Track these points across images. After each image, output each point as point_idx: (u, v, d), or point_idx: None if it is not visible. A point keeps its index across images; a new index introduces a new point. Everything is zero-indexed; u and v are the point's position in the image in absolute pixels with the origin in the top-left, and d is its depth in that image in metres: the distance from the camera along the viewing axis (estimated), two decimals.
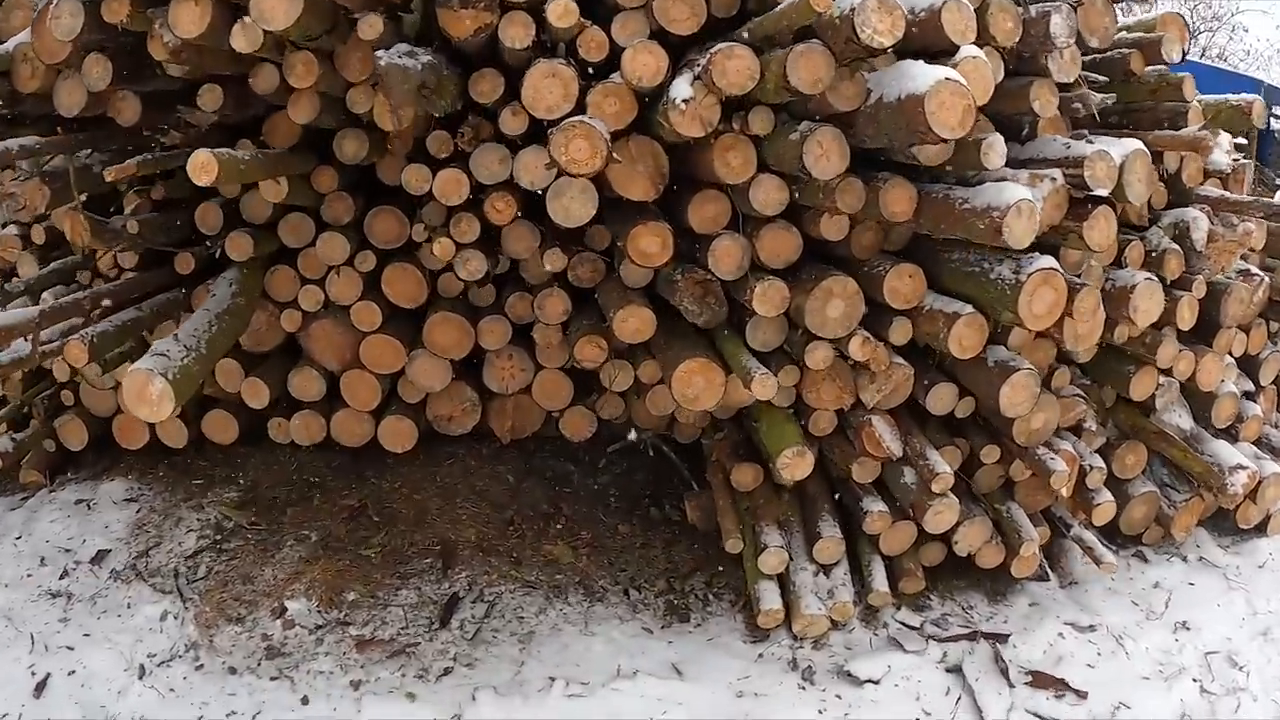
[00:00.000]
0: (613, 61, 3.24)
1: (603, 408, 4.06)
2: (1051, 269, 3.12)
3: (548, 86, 3.19)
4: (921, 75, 2.83)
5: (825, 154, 3.07)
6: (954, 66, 2.91)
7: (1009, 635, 3.56)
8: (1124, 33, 4.18)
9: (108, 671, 3.25)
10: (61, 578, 3.65)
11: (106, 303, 3.57)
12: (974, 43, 3.05)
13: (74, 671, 3.25)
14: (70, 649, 3.34)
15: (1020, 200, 2.95)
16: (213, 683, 3.23)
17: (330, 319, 3.89)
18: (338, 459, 4.09)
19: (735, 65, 3.03)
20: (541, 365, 3.96)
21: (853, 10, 2.78)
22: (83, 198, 3.49)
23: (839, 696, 3.32)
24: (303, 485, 3.99)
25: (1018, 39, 3.32)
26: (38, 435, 4.13)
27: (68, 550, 3.76)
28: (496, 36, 3.22)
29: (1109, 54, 4.02)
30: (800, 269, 3.46)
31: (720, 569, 3.82)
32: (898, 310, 3.40)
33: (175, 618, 3.47)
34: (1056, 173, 3.22)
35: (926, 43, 3.00)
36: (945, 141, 2.94)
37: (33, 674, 3.24)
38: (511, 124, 3.39)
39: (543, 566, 3.74)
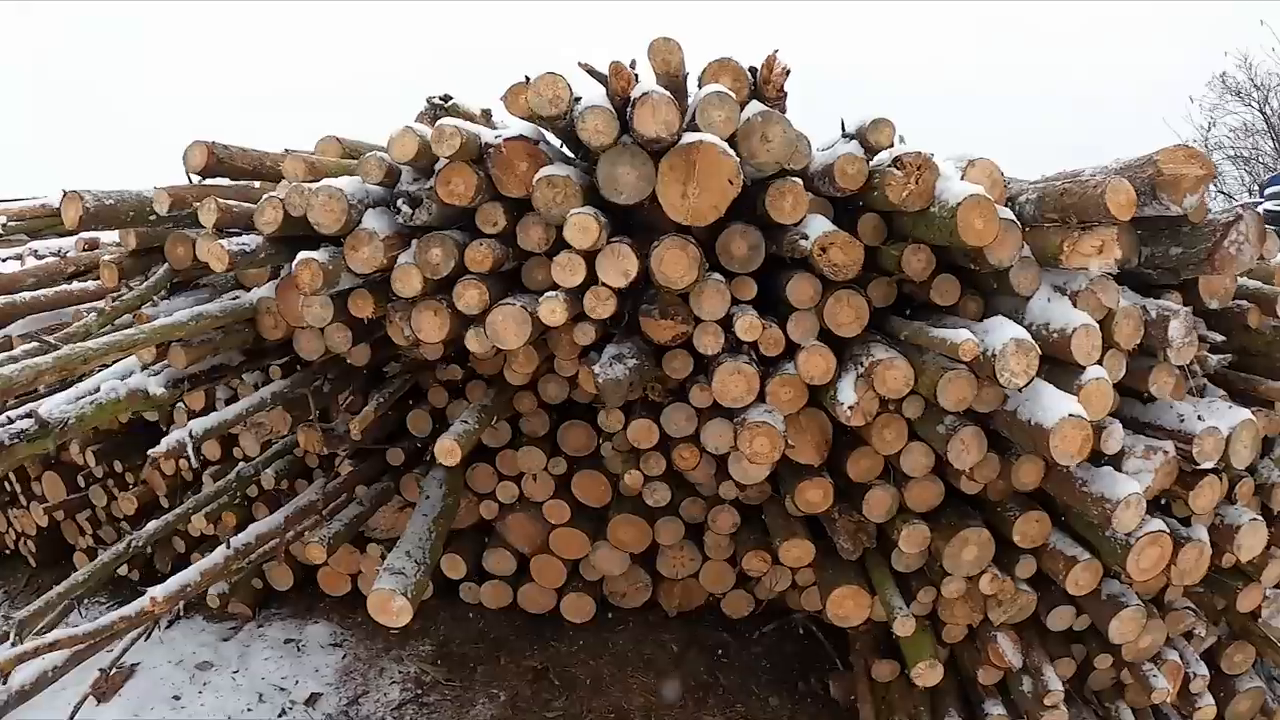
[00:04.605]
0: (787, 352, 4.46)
1: (760, 592, 5.47)
2: (1160, 531, 4.30)
3: (733, 381, 4.36)
4: (1050, 408, 3.96)
5: (966, 449, 4.31)
6: (1079, 389, 4.05)
7: None
8: (1243, 279, 4.98)
9: None
10: (280, 715, 5.13)
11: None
12: (1101, 344, 4.17)
13: None
14: None
15: (1129, 495, 4.07)
16: None
17: (524, 512, 5.37)
18: (520, 619, 5.60)
19: (894, 375, 4.22)
20: (709, 557, 5.38)
21: (994, 356, 3.93)
22: (316, 415, 4.92)
23: None
24: (489, 644, 5.49)
25: (1139, 341, 4.38)
26: (248, 574, 5.68)
27: (282, 689, 5.26)
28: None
29: (1227, 308, 4.87)
30: (942, 512, 4.73)
31: None
32: (1024, 549, 4.67)
33: None
34: (1169, 445, 4.33)
35: (1056, 357, 4.12)
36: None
37: None
38: (699, 398, 4.65)
39: None
